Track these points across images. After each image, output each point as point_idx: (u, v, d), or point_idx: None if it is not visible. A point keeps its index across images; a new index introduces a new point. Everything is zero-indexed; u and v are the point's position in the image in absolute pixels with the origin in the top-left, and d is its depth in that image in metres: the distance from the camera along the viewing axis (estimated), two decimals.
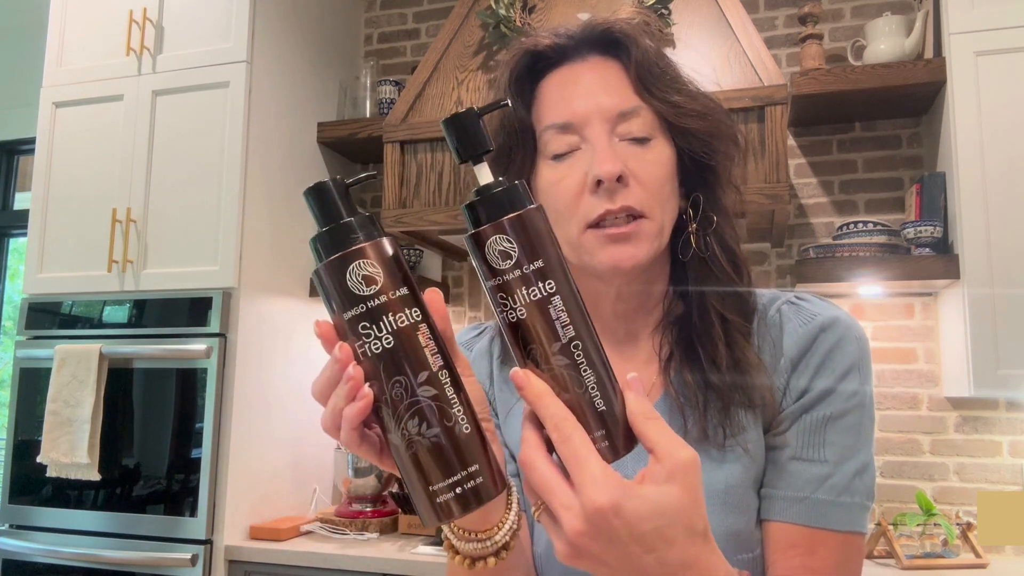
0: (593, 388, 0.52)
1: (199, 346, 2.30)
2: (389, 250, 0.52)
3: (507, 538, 0.63)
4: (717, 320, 0.79)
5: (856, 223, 2.25)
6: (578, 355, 0.52)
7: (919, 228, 2.13)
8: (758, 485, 0.78)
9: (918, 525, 2.08)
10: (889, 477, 2.33)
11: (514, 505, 0.64)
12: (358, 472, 2.47)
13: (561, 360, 0.52)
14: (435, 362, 0.51)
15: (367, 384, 0.51)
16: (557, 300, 0.51)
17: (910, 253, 2.16)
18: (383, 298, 0.50)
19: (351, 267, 0.50)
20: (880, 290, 2.36)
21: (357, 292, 0.50)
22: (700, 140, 0.80)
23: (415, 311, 0.51)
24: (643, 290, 0.83)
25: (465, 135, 0.54)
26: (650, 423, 0.52)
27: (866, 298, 2.41)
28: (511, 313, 0.52)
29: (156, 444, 2.34)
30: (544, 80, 0.84)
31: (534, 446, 0.52)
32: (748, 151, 2.02)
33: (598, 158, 0.76)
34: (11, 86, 3.43)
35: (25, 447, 2.48)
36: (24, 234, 3.08)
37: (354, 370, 0.51)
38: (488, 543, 0.62)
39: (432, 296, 0.54)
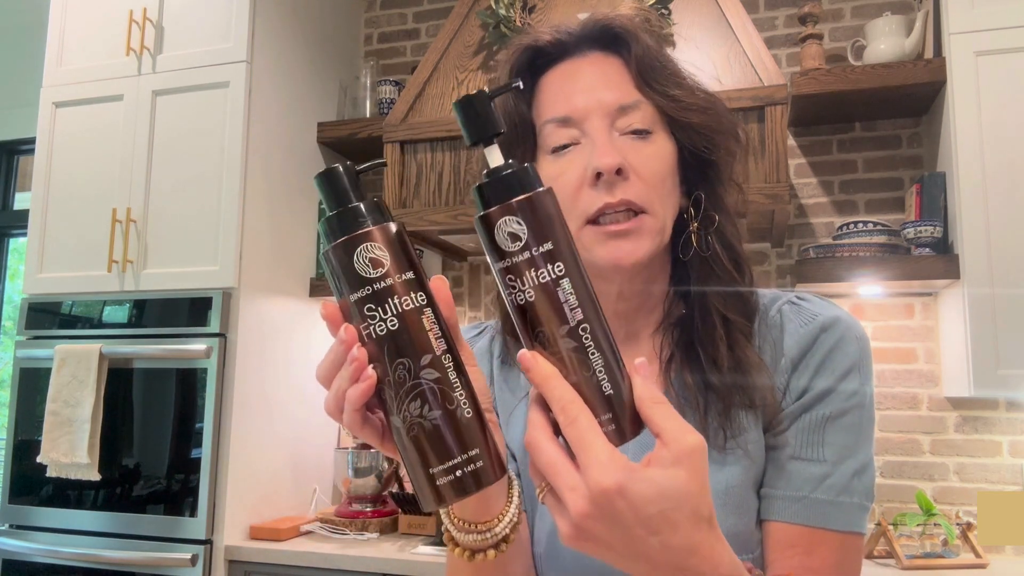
0: (601, 371, 0.52)
1: (199, 346, 2.30)
2: (396, 235, 0.52)
3: (507, 530, 0.63)
4: (719, 320, 0.79)
5: (856, 223, 2.25)
6: (586, 338, 0.51)
7: (919, 228, 2.13)
8: (758, 486, 0.78)
9: (918, 525, 2.08)
10: (889, 477, 2.33)
11: (515, 498, 0.64)
12: (358, 472, 2.47)
13: (569, 343, 0.51)
14: (438, 346, 0.51)
15: (371, 366, 0.51)
16: (566, 283, 0.51)
17: (910, 253, 2.16)
18: (389, 281, 0.51)
19: (359, 249, 0.51)
20: (880, 290, 2.36)
21: (364, 274, 0.51)
22: (701, 135, 0.80)
23: (420, 295, 0.52)
24: (644, 289, 0.83)
25: (476, 117, 0.54)
26: (657, 407, 0.52)
27: (866, 298, 2.42)
28: (519, 295, 0.52)
29: (156, 444, 2.33)
30: (544, 75, 0.84)
31: (540, 428, 0.52)
32: (748, 151, 2.03)
33: (597, 151, 0.76)
34: (11, 86, 3.43)
35: (25, 447, 2.48)
36: (24, 234, 3.08)
37: (358, 351, 0.51)
38: (488, 535, 0.62)
39: (437, 283, 0.55)
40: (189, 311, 2.36)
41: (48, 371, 2.40)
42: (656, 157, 0.78)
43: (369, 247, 0.51)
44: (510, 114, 0.83)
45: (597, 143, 0.77)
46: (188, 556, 2.21)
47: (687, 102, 0.80)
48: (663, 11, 2.15)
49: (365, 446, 2.50)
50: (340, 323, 0.53)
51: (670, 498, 0.50)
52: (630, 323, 0.85)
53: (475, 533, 0.62)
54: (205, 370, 2.30)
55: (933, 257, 2.10)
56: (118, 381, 2.38)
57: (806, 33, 2.34)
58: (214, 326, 2.32)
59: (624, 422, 0.52)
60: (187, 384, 2.33)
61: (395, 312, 0.51)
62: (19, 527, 2.44)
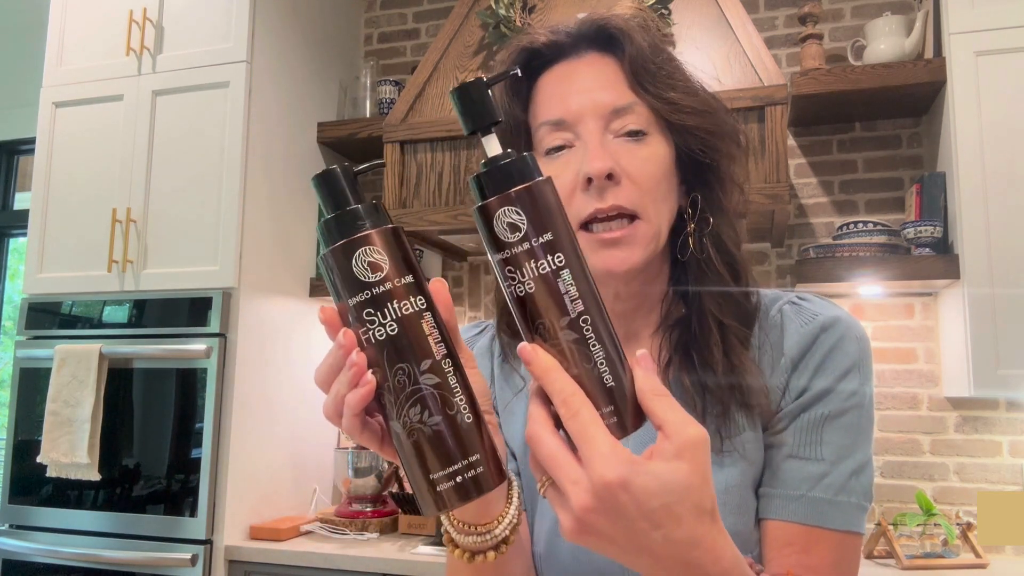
0: (602, 363, 0.51)
1: (199, 346, 2.30)
2: (395, 238, 0.52)
3: (507, 532, 0.62)
4: (715, 326, 0.79)
5: (856, 223, 2.25)
6: (587, 329, 0.51)
7: (919, 228, 2.13)
8: (756, 486, 0.78)
9: (918, 525, 2.08)
10: (889, 477, 2.33)
11: (515, 499, 0.63)
12: (358, 472, 2.47)
13: (569, 335, 0.51)
14: (438, 351, 0.51)
15: (370, 371, 0.51)
16: (566, 274, 0.51)
17: (910, 253, 2.16)
18: (388, 285, 0.50)
19: (357, 253, 0.50)
20: (880, 290, 2.36)
21: (362, 278, 0.50)
22: (698, 138, 0.79)
23: (420, 299, 0.51)
24: (641, 290, 0.83)
25: (473, 106, 0.53)
26: (659, 400, 0.51)
27: (866, 298, 2.42)
28: (519, 287, 0.51)
29: (156, 444, 2.33)
30: (540, 77, 0.84)
31: (541, 421, 0.51)
32: (748, 151, 2.03)
33: (589, 155, 0.76)
34: (11, 86, 3.43)
35: (25, 447, 2.48)
36: (24, 234, 3.08)
37: (358, 356, 0.50)
38: (488, 537, 0.62)
39: (437, 286, 0.54)
40: (189, 311, 2.36)
41: (48, 371, 2.40)
42: (650, 160, 0.78)
43: (368, 251, 0.50)
44: (505, 117, 0.82)
45: (589, 147, 0.76)
46: (188, 556, 2.21)
47: (683, 104, 0.79)
48: (663, 11, 2.15)
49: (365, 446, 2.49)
50: (339, 327, 0.52)
51: (673, 491, 0.49)
52: (628, 323, 0.85)
53: (475, 535, 0.62)
54: (205, 370, 2.30)
55: (933, 257, 2.10)
56: (118, 381, 2.38)
57: (806, 33, 2.34)
58: (214, 326, 2.32)
59: (626, 414, 0.52)
60: (187, 384, 2.33)
61: (394, 317, 0.50)
62: (19, 527, 2.44)
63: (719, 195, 0.82)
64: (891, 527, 2.08)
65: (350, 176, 0.53)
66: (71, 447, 2.31)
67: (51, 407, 2.35)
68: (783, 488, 0.76)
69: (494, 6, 2.29)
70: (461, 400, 0.51)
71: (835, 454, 0.75)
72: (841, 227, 2.29)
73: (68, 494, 2.40)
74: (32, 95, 2.73)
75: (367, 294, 0.50)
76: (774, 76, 2.05)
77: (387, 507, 2.47)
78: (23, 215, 2.97)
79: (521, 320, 0.53)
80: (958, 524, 2.10)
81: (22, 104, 3.22)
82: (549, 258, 0.51)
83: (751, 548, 0.76)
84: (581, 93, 0.79)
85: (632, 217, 0.76)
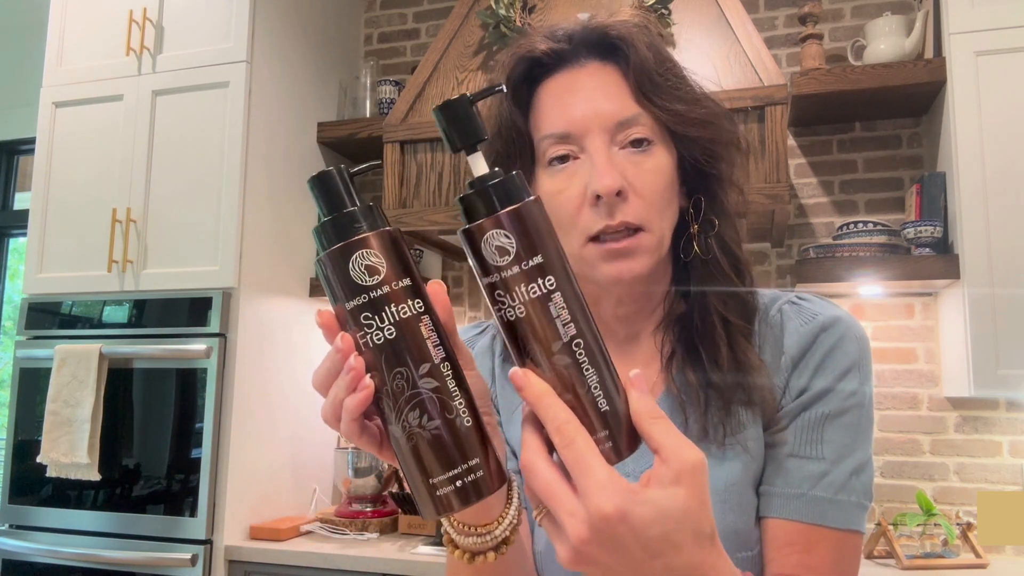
0: (596, 388, 0.50)
1: (199, 346, 2.30)
2: (392, 240, 0.51)
3: (507, 533, 0.62)
4: (719, 322, 0.79)
5: (856, 223, 2.25)
6: (580, 354, 0.50)
7: (919, 228, 2.13)
8: (757, 483, 0.78)
9: (918, 525, 2.08)
10: (889, 477, 2.33)
11: (514, 500, 0.63)
12: (358, 472, 2.47)
13: (562, 359, 0.50)
14: (437, 354, 0.50)
15: (368, 375, 0.50)
16: (558, 297, 0.49)
17: (910, 253, 2.16)
18: (386, 288, 0.50)
19: (354, 256, 0.50)
20: (880, 290, 2.36)
21: (360, 282, 0.50)
22: (701, 147, 0.80)
23: (417, 302, 0.51)
24: (645, 292, 0.83)
25: (458, 123, 0.51)
26: (655, 423, 0.50)
27: (866, 298, 2.41)
28: (509, 311, 0.50)
29: (156, 444, 2.33)
30: (541, 86, 0.83)
31: (535, 450, 0.51)
32: (748, 151, 2.02)
33: (597, 172, 0.75)
34: (11, 86, 3.43)
35: (25, 447, 2.48)
36: (24, 234, 3.08)
37: (355, 361, 0.50)
38: (488, 537, 0.62)
39: (435, 288, 0.54)
40: (189, 311, 2.36)
41: (48, 371, 2.40)
42: (655, 171, 0.78)
43: (365, 254, 0.50)
44: (506, 127, 0.82)
45: (597, 163, 0.76)
46: (188, 556, 2.21)
47: (687, 116, 0.79)
48: (663, 11, 2.15)
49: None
50: (336, 331, 0.52)
51: (672, 518, 0.48)
52: (631, 324, 0.85)
53: (475, 536, 0.62)
54: (205, 370, 2.30)
55: (933, 257, 2.10)
56: (118, 381, 2.38)
57: (806, 33, 2.33)
58: (214, 326, 2.32)
59: (621, 439, 0.51)
60: (187, 384, 2.33)
61: (392, 320, 0.50)
62: (19, 527, 2.44)
63: (720, 197, 0.83)
64: (891, 527, 2.08)
65: (346, 178, 0.52)
66: (71, 447, 2.31)
67: (51, 407, 2.35)
68: (784, 487, 0.76)
69: (494, 6, 2.29)
70: (460, 404, 0.50)
71: (835, 453, 0.76)
72: (841, 227, 2.29)
73: (68, 494, 2.40)
74: (32, 95, 2.73)
75: (364, 298, 0.50)
76: (774, 76, 2.05)
77: (387, 507, 2.47)
78: (23, 215, 2.97)
79: (512, 344, 0.51)
80: (958, 524, 2.10)
81: (22, 104, 3.22)
82: (540, 281, 0.49)
83: (751, 545, 0.76)
84: (585, 106, 0.78)
85: (637, 229, 0.76)
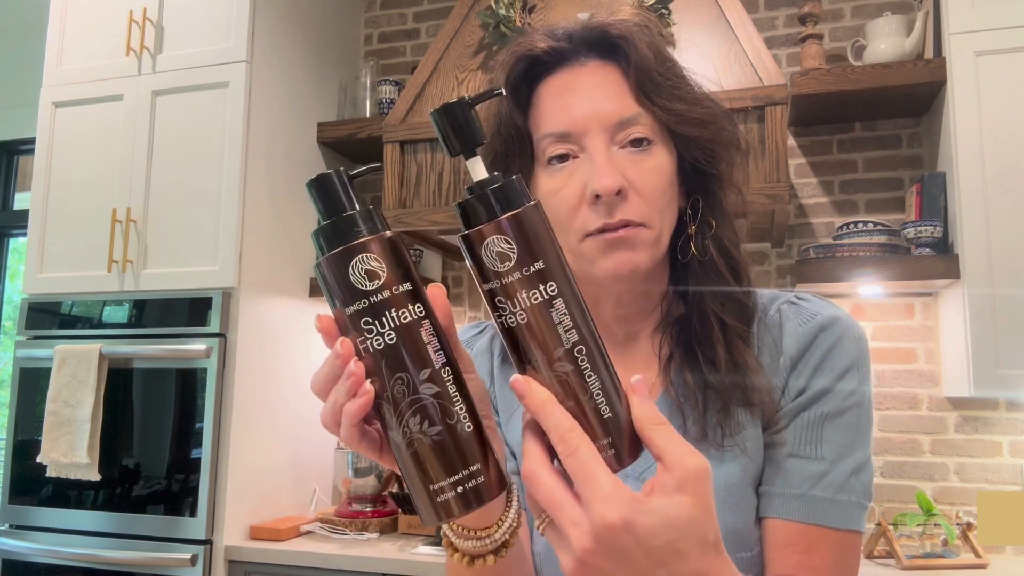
0: (598, 394, 0.49)
1: (199, 346, 2.30)
2: (392, 245, 0.50)
3: (507, 536, 0.62)
4: (716, 324, 0.79)
5: (856, 223, 2.25)
6: (582, 360, 0.49)
7: (919, 228, 2.13)
8: (757, 484, 0.78)
9: (918, 525, 2.08)
10: (889, 477, 2.33)
11: (514, 503, 0.63)
12: (358, 472, 2.47)
13: (564, 366, 0.49)
14: (437, 359, 0.50)
15: (368, 380, 0.50)
16: (559, 303, 0.49)
17: (910, 253, 2.16)
18: (386, 293, 0.49)
19: (354, 261, 0.49)
20: (880, 290, 2.36)
21: (359, 287, 0.49)
22: (701, 147, 0.80)
23: (418, 307, 0.50)
24: (644, 292, 0.83)
25: (457, 127, 0.51)
26: (658, 429, 0.50)
27: (866, 298, 2.41)
28: (510, 318, 0.50)
29: (156, 444, 2.33)
30: (541, 85, 0.82)
31: (537, 459, 0.50)
32: (748, 151, 2.02)
33: (597, 172, 0.75)
34: (11, 86, 3.43)
35: (25, 447, 2.48)
36: (24, 234, 3.08)
37: (355, 366, 0.49)
38: (487, 541, 0.62)
39: (435, 291, 0.53)
40: (189, 311, 2.36)
41: (48, 371, 2.40)
42: (656, 171, 0.77)
43: (365, 258, 0.49)
44: (506, 125, 0.82)
45: (596, 162, 0.75)
46: (188, 556, 2.21)
47: (687, 115, 0.78)
48: (663, 11, 2.15)
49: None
50: (336, 336, 0.51)
51: (676, 527, 0.48)
52: (630, 325, 0.85)
53: (474, 539, 0.61)
54: (205, 370, 2.30)
55: (933, 257, 2.10)
56: (118, 381, 2.38)
57: (806, 33, 2.33)
58: (214, 326, 2.32)
59: (623, 446, 0.50)
60: (187, 384, 2.33)
61: (392, 325, 0.49)
62: (19, 527, 2.44)
63: (720, 198, 0.83)
64: (891, 527, 2.08)
65: (345, 181, 0.52)
66: (71, 447, 2.31)
67: (51, 407, 2.35)
68: (784, 487, 0.76)
69: (494, 6, 2.29)
70: (461, 409, 0.50)
71: (835, 453, 0.76)
72: (841, 227, 2.29)
73: (68, 494, 2.41)
74: (32, 95, 2.73)
75: (364, 303, 0.49)
76: (774, 76, 2.05)
77: (387, 507, 2.47)
78: (23, 215, 2.97)
79: (513, 351, 0.51)
80: (958, 524, 2.10)
81: (22, 104, 3.22)
82: (541, 287, 0.49)
83: (751, 546, 0.77)
84: (585, 105, 0.78)
85: (639, 225, 0.76)
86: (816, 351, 0.78)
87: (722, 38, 2.14)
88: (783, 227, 2.30)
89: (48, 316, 2.53)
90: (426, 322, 0.50)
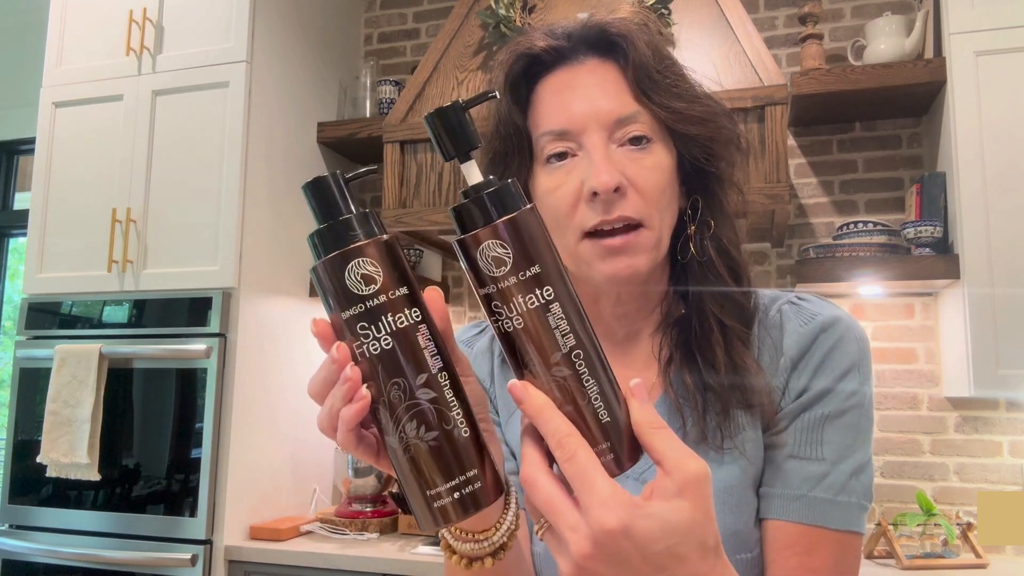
0: (596, 399, 0.49)
1: (199, 346, 2.30)
2: (389, 248, 0.50)
3: (505, 538, 0.62)
4: (716, 326, 0.79)
5: (856, 223, 2.25)
6: (579, 364, 0.49)
7: (919, 228, 2.12)
8: (756, 485, 0.78)
9: (918, 525, 2.08)
10: (889, 477, 2.33)
11: (512, 505, 0.63)
12: (358, 472, 2.47)
13: (562, 371, 0.49)
14: (434, 364, 0.49)
15: (365, 385, 0.49)
16: (556, 307, 0.49)
17: (910, 253, 2.16)
18: (382, 298, 0.49)
19: (350, 265, 0.49)
20: (880, 290, 2.36)
21: (356, 291, 0.49)
22: (700, 146, 0.79)
23: (415, 311, 0.50)
24: (643, 292, 0.83)
25: (451, 131, 0.50)
26: (657, 434, 0.50)
27: (866, 298, 2.41)
28: (507, 322, 0.49)
29: (156, 444, 2.34)
30: (540, 83, 0.82)
31: (535, 464, 0.50)
32: (748, 151, 2.02)
33: (595, 169, 0.75)
34: (11, 86, 3.43)
35: (25, 447, 2.48)
36: (24, 234, 3.08)
37: (352, 371, 0.49)
38: (486, 543, 0.61)
39: (432, 295, 0.53)
40: (189, 311, 2.36)
41: (48, 371, 2.40)
42: (655, 169, 0.77)
43: (361, 263, 0.49)
44: (505, 124, 0.81)
45: (595, 160, 0.75)
46: (188, 556, 2.21)
47: (687, 113, 0.78)
48: (663, 11, 2.14)
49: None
50: (332, 340, 0.51)
51: (676, 532, 0.48)
52: (630, 324, 0.85)
53: (473, 542, 0.61)
54: (205, 370, 2.30)
55: (933, 257, 2.10)
56: (118, 381, 2.38)
57: (806, 33, 2.33)
58: (214, 326, 2.32)
59: (622, 450, 0.50)
60: (187, 384, 2.33)
61: (389, 330, 0.49)
62: (19, 527, 2.44)
63: (719, 198, 0.82)
64: (891, 527, 2.08)
65: (341, 184, 0.51)
66: (71, 447, 2.31)
67: (51, 407, 2.35)
68: (784, 488, 0.76)
69: (494, 6, 2.29)
70: (458, 414, 0.50)
71: (835, 454, 0.75)
72: (841, 227, 2.29)
73: (68, 494, 2.41)
74: (32, 95, 2.73)
75: (361, 307, 0.49)
76: (774, 76, 2.05)
77: (387, 507, 2.48)
78: (23, 215, 2.97)
79: (510, 356, 0.51)
80: (958, 524, 2.09)
81: (22, 104, 3.22)
82: (537, 292, 0.49)
83: (751, 547, 0.76)
84: (584, 102, 0.78)
85: (637, 225, 0.75)
86: (817, 352, 0.78)
87: (722, 38, 2.14)
88: (783, 227, 2.30)
89: (48, 316, 2.53)
90: (423, 327, 0.50)
